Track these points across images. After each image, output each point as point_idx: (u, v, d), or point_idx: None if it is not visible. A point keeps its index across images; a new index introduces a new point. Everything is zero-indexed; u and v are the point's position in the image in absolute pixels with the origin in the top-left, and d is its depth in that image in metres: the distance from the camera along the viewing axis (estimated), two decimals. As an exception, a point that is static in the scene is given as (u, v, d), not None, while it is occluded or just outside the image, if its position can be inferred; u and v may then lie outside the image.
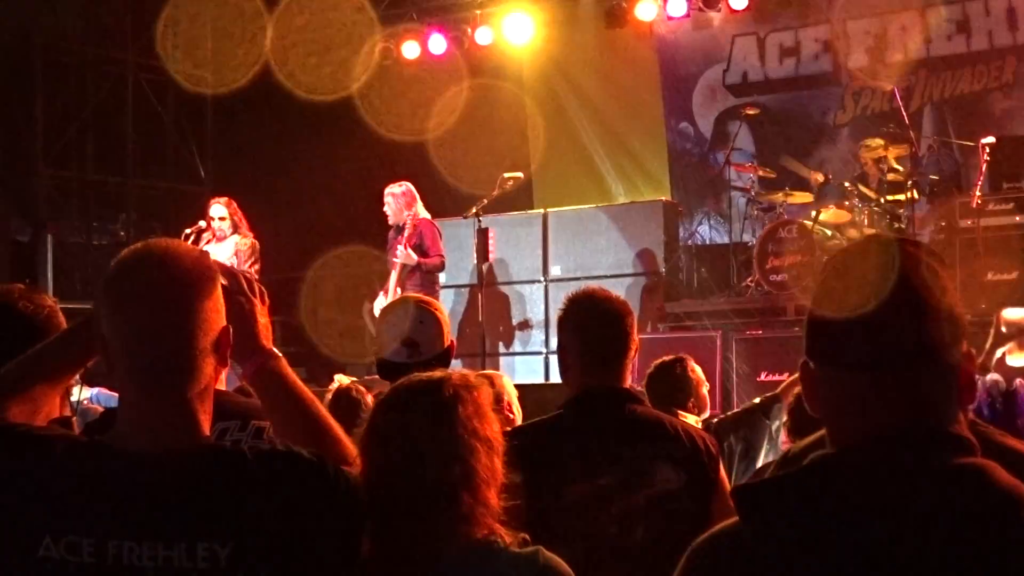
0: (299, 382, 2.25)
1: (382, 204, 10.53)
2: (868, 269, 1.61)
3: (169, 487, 1.92)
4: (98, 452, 1.99)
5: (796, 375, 4.68)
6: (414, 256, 10.24)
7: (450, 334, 3.70)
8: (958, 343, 1.61)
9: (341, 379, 5.69)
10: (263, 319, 2.29)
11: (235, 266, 9.83)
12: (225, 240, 10.13)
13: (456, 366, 5.78)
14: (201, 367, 1.99)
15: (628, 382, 3.39)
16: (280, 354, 2.28)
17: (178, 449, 1.95)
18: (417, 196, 10.47)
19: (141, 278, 1.99)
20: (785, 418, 4.20)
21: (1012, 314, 7.40)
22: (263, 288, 2.33)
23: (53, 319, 2.85)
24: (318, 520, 1.96)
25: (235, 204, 10.27)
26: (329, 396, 5.44)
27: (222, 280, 2.19)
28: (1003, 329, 7.56)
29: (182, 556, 1.88)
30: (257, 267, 10.11)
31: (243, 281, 2.28)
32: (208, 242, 10.04)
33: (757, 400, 5.29)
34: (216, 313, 2.02)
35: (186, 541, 1.88)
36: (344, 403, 5.13)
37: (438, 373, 2.37)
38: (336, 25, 13.68)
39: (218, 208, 10.21)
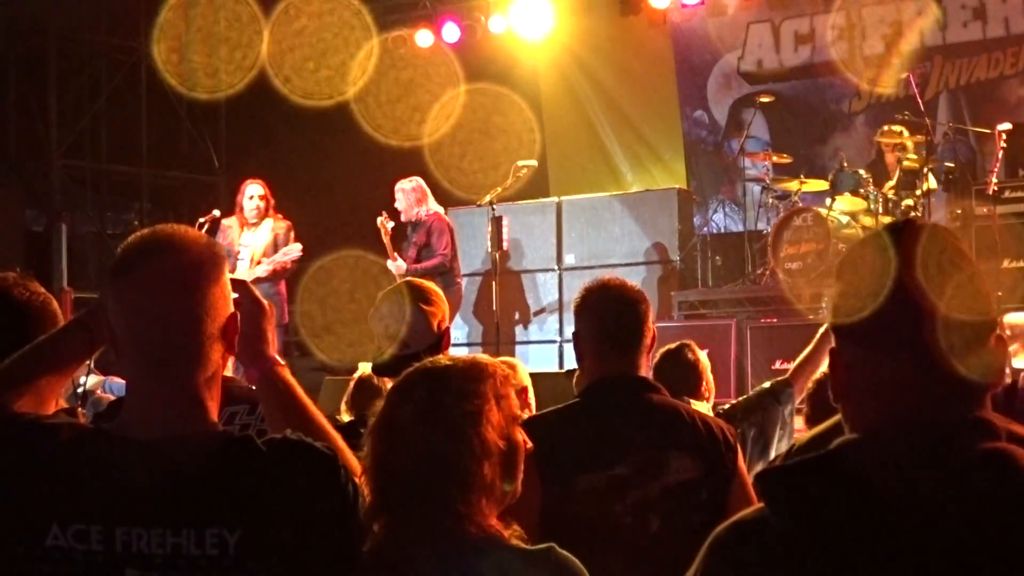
0: (301, 391, 2.24)
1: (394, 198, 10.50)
2: (866, 277, 1.60)
3: (177, 474, 1.90)
4: (105, 440, 1.98)
5: (801, 358, 4.66)
6: (403, 266, 10.20)
7: (444, 320, 3.64)
8: (991, 327, 1.59)
9: (365, 367, 5.67)
10: (269, 327, 2.28)
11: (277, 248, 9.93)
12: (259, 225, 10.09)
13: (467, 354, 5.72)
14: (208, 353, 1.98)
15: (645, 371, 3.37)
16: (283, 362, 2.28)
17: (186, 435, 1.94)
18: (428, 191, 10.40)
19: (147, 264, 1.98)
20: (804, 406, 4.17)
21: (1013, 318, 7.59)
22: (268, 301, 2.32)
23: (48, 306, 2.84)
24: (328, 510, 1.95)
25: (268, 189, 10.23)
26: (351, 385, 5.42)
27: (233, 292, 2.19)
28: (1007, 332, 7.76)
29: (191, 543, 1.87)
30: (299, 248, 10.10)
31: (251, 289, 2.27)
32: (243, 227, 9.99)
33: (767, 384, 5.26)
34: (223, 299, 2.01)
35: (195, 528, 1.87)
36: (365, 391, 5.11)
37: (466, 357, 2.33)
38: (339, 23, 13.68)
39: (256, 187, 10.14)
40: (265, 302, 2.30)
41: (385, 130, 12.73)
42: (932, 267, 1.57)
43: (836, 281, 1.68)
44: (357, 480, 2.06)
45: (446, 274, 10.17)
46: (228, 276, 2.06)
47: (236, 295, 2.19)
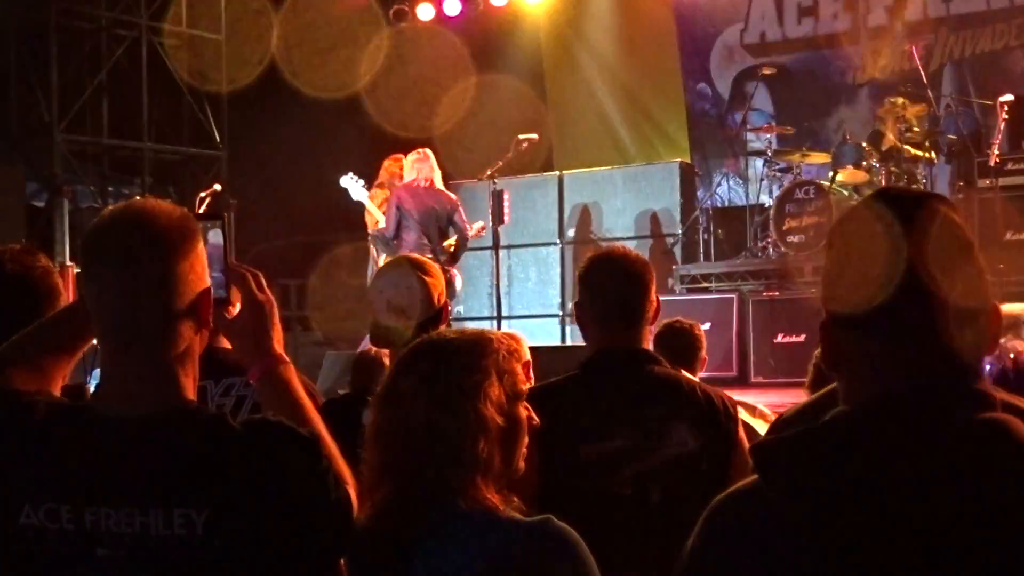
0: (302, 392, 2.19)
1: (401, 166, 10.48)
2: (871, 261, 1.57)
3: (146, 452, 1.89)
4: (78, 416, 1.97)
5: None
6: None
7: (443, 296, 3.65)
8: (984, 298, 1.59)
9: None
10: (274, 323, 2.23)
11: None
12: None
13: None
14: (177, 330, 1.95)
15: (647, 343, 3.36)
16: (289, 360, 2.24)
17: (155, 413, 1.92)
18: (406, 164, 10.28)
19: (114, 238, 1.96)
20: (810, 374, 4.15)
21: (1005, 308, 7.49)
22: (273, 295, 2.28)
23: (45, 280, 2.79)
24: (304, 495, 1.91)
25: None
26: (353, 363, 5.47)
27: (242, 282, 2.17)
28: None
29: (159, 522, 1.84)
30: None
31: (251, 284, 2.23)
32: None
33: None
34: (193, 275, 1.97)
35: (162, 507, 1.85)
36: (364, 366, 5.15)
37: (473, 331, 2.31)
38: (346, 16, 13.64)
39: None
40: (271, 297, 2.24)
41: (393, 120, 12.70)
42: (944, 258, 1.55)
43: (830, 253, 1.64)
44: (344, 487, 2.00)
45: (388, 243, 10.12)
46: (203, 250, 2.02)
47: (244, 286, 2.18)
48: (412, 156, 10.15)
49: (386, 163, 10.46)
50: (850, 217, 1.68)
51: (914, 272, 1.54)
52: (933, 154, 10.80)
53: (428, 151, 10.22)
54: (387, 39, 14.07)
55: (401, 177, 10.17)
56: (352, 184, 10.20)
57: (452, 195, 10.27)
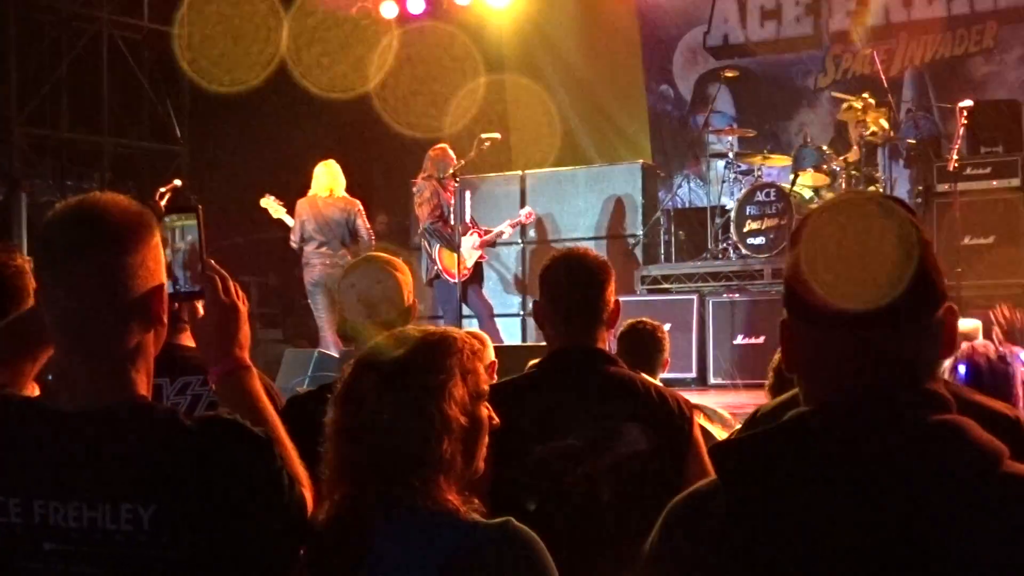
0: (263, 398, 2.17)
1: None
2: (866, 247, 1.57)
3: (93, 446, 1.87)
4: (29, 410, 1.96)
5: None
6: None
7: (412, 295, 3.65)
8: (940, 299, 1.59)
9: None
10: (244, 326, 2.21)
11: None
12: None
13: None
14: (127, 325, 1.94)
15: (605, 343, 3.36)
16: (250, 365, 2.21)
17: (105, 408, 1.90)
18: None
19: (62, 232, 1.94)
20: (769, 378, 4.16)
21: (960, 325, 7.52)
22: (243, 294, 2.26)
23: (14, 280, 2.77)
24: (255, 492, 1.90)
25: None
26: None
27: (209, 285, 2.16)
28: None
29: (106, 517, 1.83)
30: None
31: (230, 284, 2.21)
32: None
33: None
34: (144, 270, 1.95)
35: (110, 502, 1.84)
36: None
37: (437, 330, 2.29)
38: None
39: None
40: (237, 302, 2.21)
41: (354, 118, 12.64)
42: (932, 259, 1.57)
43: (802, 250, 1.61)
44: (299, 488, 1.98)
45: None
46: (159, 245, 2.00)
47: (208, 288, 2.17)
48: (318, 167, 10.60)
49: (431, 153, 10.68)
50: (827, 215, 1.64)
51: (922, 270, 1.55)
52: (893, 158, 10.88)
53: (330, 162, 10.61)
54: (352, 37, 14.00)
55: (453, 163, 10.50)
56: (272, 205, 10.72)
57: (354, 200, 10.63)
